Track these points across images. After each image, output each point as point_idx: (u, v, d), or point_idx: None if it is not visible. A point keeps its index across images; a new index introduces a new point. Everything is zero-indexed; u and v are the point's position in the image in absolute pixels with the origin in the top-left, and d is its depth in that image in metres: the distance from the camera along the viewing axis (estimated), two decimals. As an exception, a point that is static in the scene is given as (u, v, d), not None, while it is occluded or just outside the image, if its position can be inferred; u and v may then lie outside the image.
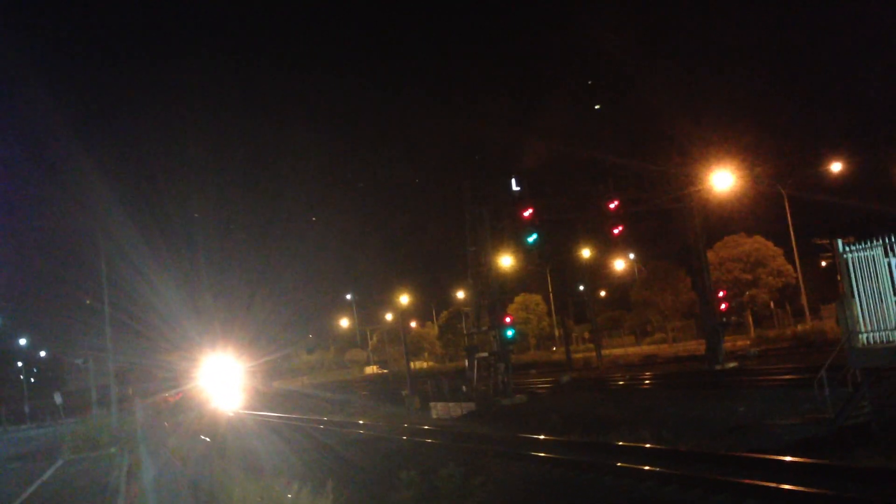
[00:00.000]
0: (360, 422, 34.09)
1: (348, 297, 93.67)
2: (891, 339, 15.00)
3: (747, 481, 12.83)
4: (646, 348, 63.24)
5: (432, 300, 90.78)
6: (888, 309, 15.07)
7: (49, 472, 20.80)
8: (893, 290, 15.03)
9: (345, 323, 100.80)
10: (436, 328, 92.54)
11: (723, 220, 47.93)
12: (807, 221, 50.51)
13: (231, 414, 44.73)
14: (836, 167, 44.40)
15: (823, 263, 56.15)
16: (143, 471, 13.69)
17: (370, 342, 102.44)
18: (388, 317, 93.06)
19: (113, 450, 20.47)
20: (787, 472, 13.32)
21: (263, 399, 59.57)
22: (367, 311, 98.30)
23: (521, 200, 33.25)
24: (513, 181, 33.29)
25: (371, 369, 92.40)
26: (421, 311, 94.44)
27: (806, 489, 11.85)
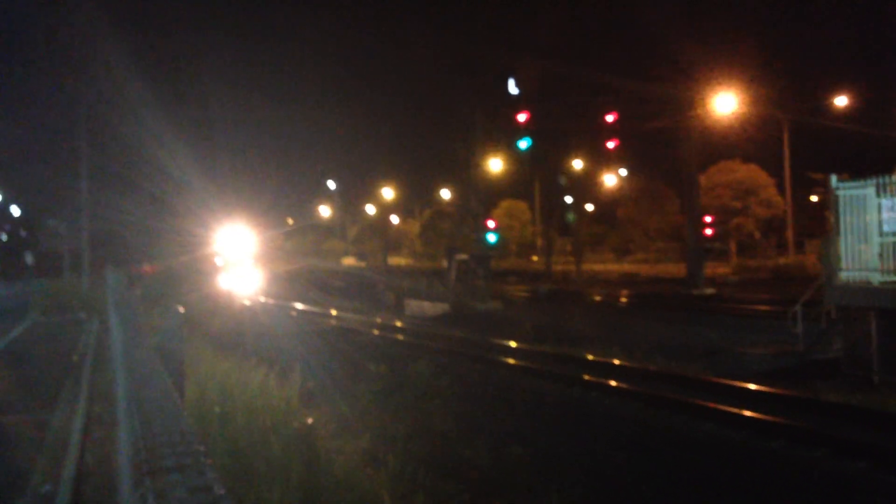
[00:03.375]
0: (333, 312, 34.23)
1: (331, 185, 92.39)
2: (869, 279, 14.98)
3: (710, 405, 12.97)
4: (626, 267, 63.59)
5: (416, 197, 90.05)
6: (871, 249, 15.01)
7: (16, 332, 20.79)
8: (879, 231, 14.92)
9: (325, 211, 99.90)
10: (418, 225, 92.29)
11: (719, 145, 47.37)
12: (804, 154, 50.02)
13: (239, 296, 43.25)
14: (841, 101, 43.57)
15: (814, 198, 56.01)
16: (111, 336, 13.67)
17: (350, 233, 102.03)
18: (370, 209, 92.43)
19: (82, 314, 20.50)
20: (749, 399, 13.46)
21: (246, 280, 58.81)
22: (348, 201, 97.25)
23: (517, 104, 32.68)
24: (511, 83, 32.61)
25: (349, 261, 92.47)
26: (404, 206, 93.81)
27: (764, 416, 12.01)
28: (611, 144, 34.74)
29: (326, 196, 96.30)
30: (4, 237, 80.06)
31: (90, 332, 17.60)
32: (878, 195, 14.95)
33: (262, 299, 43.08)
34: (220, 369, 11.96)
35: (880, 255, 14.86)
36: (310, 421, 10.61)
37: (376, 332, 26.98)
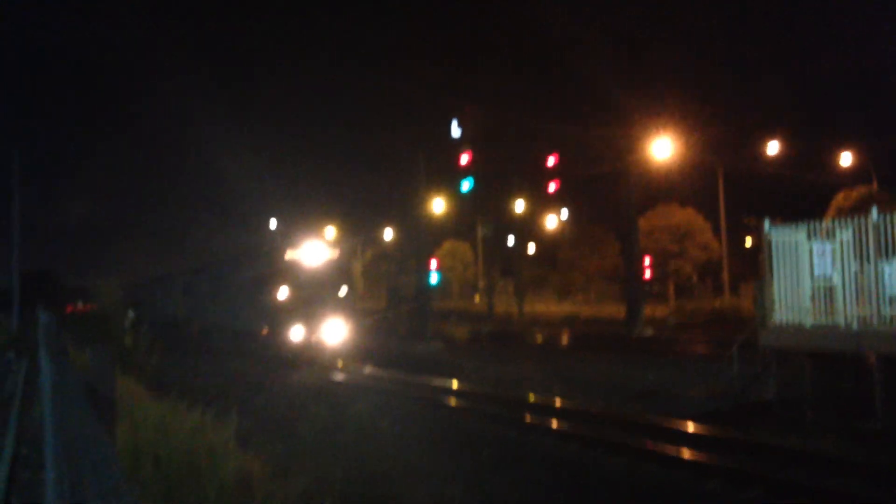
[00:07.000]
0: (269, 354, 33.58)
1: (272, 225, 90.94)
2: (802, 322, 15.31)
3: (649, 446, 13.07)
4: (567, 308, 63.99)
5: (358, 238, 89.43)
6: (803, 292, 15.36)
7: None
8: (810, 275, 15.30)
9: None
10: (359, 266, 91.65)
11: (658, 189, 48.32)
12: (739, 198, 51.28)
13: None
14: (773, 147, 44.68)
15: (749, 242, 57.36)
16: (41, 376, 13.28)
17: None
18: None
19: (11, 354, 19.89)
20: (686, 440, 13.60)
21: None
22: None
23: (460, 146, 32.93)
24: (454, 125, 32.85)
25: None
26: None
27: (701, 458, 12.16)
28: (552, 187, 35.12)
29: (268, 237, 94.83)
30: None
31: (19, 371, 17.08)
32: (808, 239, 15.36)
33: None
34: (154, 410, 11.70)
35: (812, 298, 15.22)
36: (246, 462, 10.41)
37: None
